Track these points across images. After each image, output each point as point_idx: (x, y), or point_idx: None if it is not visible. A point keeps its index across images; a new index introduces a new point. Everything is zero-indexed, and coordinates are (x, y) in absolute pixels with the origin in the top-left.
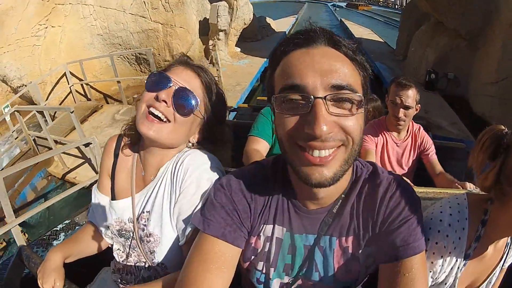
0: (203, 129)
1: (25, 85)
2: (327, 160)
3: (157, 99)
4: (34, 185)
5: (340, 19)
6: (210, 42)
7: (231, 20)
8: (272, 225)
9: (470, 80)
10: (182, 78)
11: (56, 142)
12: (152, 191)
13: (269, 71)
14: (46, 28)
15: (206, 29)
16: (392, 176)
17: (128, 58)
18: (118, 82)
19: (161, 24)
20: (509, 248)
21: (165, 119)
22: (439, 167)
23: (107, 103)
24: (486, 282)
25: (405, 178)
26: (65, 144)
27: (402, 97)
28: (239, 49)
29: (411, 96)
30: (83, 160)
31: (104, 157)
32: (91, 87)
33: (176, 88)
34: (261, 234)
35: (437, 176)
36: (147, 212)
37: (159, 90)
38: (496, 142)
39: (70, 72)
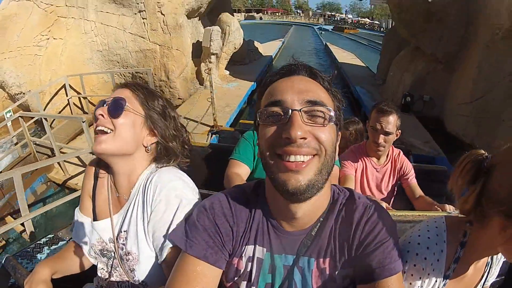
0: (151, 129)
1: (23, 93)
2: (302, 167)
3: (97, 117)
4: (34, 189)
5: (325, 44)
6: (203, 65)
7: (223, 44)
8: (253, 246)
9: (446, 101)
10: (113, 95)
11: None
12: (127, 212)
13: (258, 99)
14: (48, 39)
15: (198, 52)
16: (368, 201)
17: (125, 76)
18: None
19: (159, 45)
20: (490, 267)
21: (107, 130)
22: (418, 191)
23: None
24: None
25: (383, 202)
26: (66, 151)
27: (383, 123)
28: (228, 72)
29: (391, 122)
30: (84, 168)
31: (85, 180)
32: (89, 101)
33: (109, 102)
34: (243, 255)
35: (417, 199)
36: (124, 231)
37: (97, 110)
38: (476, 166)
39: (69, 85)
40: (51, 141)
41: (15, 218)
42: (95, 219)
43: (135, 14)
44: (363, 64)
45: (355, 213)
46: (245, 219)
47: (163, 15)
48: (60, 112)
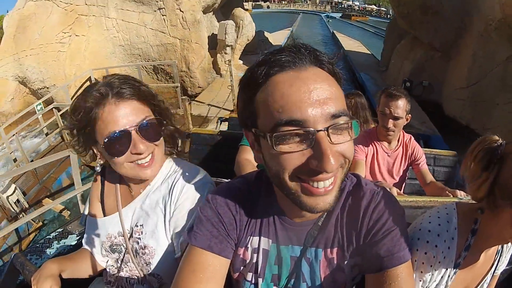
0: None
1: (47, 87)
2: (330, 189)
3: (136, 153)
4: (69, 173)
5: (332, 32)
6: (219, 56)
7: (237, 36)
8: (258, 237)
9: (443, 86)
10: (124, 115)
11: None
12: (141, 204)
13: (245, 95)
14: (70, 36)
15: (213, 44)
16: (376, 188)
17: (146, 68)
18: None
19: (179, 39)
20: (500, 255)
21: (151, 153)
22: (429, 177)
23: None
24: None
25: (394, 188)
26: None
27: (391, 107)
28: (241, 62)
29: (400, 106)
30: None
31: (94, 185)
32: None
33: (136, 129)
34: (249, 245)
35: (428, 185)
36: (140, 225)
37: (127, 148)
38: (490, 153)
39: (94, 78)
40: None
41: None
42: (104, 216)
43: (155, 11)
44: (369, 52)
45: (363, 200)
46: (248, 209)
47: (182, 12)
48: None
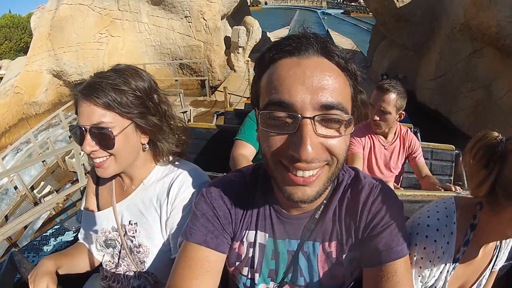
0: (142, 129)
1: (85, 80)
2: (310, 180)
3: (88, 153)
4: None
5: (327, 30)
6: (232, 55)
7: (247, 39)
8: (254, 231)
9: (416, 78)
10: (86, 116)
11: None
12: (135, 201)
13: (255, 76)
14: (107, 37)
15: (227, 45)
16: (374, 181)
17: (170, 64)
18: (176, 80)
19: (203, 42)
20: (499, 250)
21: (105, 157)
22: (425, 170)
23: None
24: (476, 284)
25: (391, 182)
26: None
27: (379, 101)
28: (249, 59)
29: (387, 101)
30: None
31: (89, 180)
32: None
33: (88, 132)
34: (244, 240)
35: (423, 179)
36: (134, 223)
37: (81, 145)
38: (491, 150)
39: None
40: None
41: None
42: (99, 210)
43: (182, 18)
44: (358, 49)
45: (361, 193)
46: (243, 202)
47: (205, 20)
48: None
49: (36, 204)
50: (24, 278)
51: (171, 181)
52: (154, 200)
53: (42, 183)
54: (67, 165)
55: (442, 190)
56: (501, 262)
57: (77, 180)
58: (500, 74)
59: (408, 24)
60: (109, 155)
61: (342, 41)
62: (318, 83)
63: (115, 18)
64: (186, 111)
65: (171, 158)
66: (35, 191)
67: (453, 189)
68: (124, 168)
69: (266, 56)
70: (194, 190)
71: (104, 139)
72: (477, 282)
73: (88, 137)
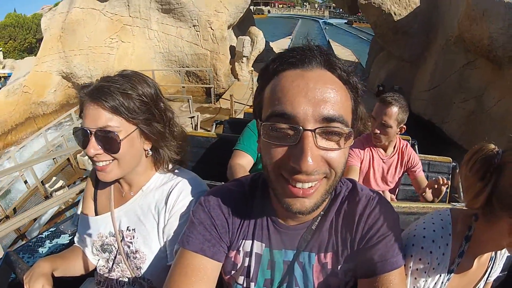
0: (146, 135)
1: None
2: (309, 193)
3: (91, 157)
4: None
5: (328, 40)
6: (236, 64)
7: (252, 49)
8: (251, 241)
9: (411, 90)
10: (92, 119)
11: None
12: (133, 207)
13: (258, 87)
14: (117, 42)
15: (232, 54)
16: (371, 193)
17: (181, 72)
18: (183, 87)
19: (209, 51)
20: (493, 262)
21: (108, 161)
22: (424, 183)
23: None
24: None
25: (388, 194)
26: None
27: (380, 114)
28: (253, 69)
29: (389, 114)
30: None
31: (88, 183)
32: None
33: (94, 135)
34: (240, 249)
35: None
36: (132, 229)
37: (85, 148)
38: (487, 163)
39: None
40: None
41: None
42: (96, 215)
43: (190, 27)
44: (357, 60)
45: (358, 205)
46: (241, 212)
47: (212, 29)
48: None
49: (46, 198)
50: (19, 279)
51: (170, 189)
52: (153, 207)
53: (54, 178)
54: (79, 163)
55: (430, 187)
56: (495, 273)
57: (87, 177)
58: (491, 85)
59: (405, 36)
60: (113, 159)
61: (342, 52)
62: (321, 96)
63: (126, 24)
64: (194, 116)
65: (171, 166)
66: (46, 185)
67: (440, 181)
68: (126, 173)
69: (270, 68)
70: (192, 198)
71: (109, 143)
72: None
73: (93, 140)
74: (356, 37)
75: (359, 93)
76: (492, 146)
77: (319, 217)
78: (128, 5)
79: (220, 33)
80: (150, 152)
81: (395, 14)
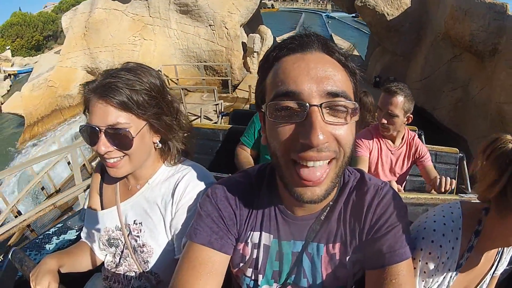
0: (154, 125)
1: None
2: (319, 181)
3: (102, 154)
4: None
5: (331, 34)
6: (248, 59)
7: (261, 45)
8: (259, 232)
9: (404, 80)
10: (101, 116)
11: None
12: (140, 200)
13: (259, 78)
14: (140, 40)
15: (243, 49)
16: (380, 184)
17: (199, 66)
18: (203, 79)
19: (225, 47)
20: (500, 256)
21: (119, 157)
22: (433, 173)
23: (187, 92)
24: None
25: (395, 184)
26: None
27: (386, 104)
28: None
29: (394, 103)
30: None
31: (94, 178)
32: (174, 82)
33: (104, 132)
34: (249, 241)
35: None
36: (139, 223)
37: (95, 145)
38: (504, 153)
39: (162, 72)
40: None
41: None
42: (102, 209)
43: (207, 27)
44: (357, 54)
45: (366, 195)
46: (249, 203)
47: (227, 28)
48: None
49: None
50: (26, 276)
51: (177, 182)
52: (159, 200)
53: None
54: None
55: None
56: (502, 267)
57: None
58: (475, 76)
59: (397, 33)
60: (123, 155)
61: (344, 46)
62: (323, 73)
63: (147, 24)
64: (218, 104)
65: (177, 157)
66: (93, 163)
67: (443, 183)
68: (137, 168)
69: (270, 56)
70: (199, 190)
71: (121, 140)
72: (478, 287)
73: (103, 137)
74: (357, 31)
75: (357, 78)
76: (509, 137)
77: (328, 208)
78: (148, 7)
79: (234, 31)
80: (160, 145)
81: (387, 15)
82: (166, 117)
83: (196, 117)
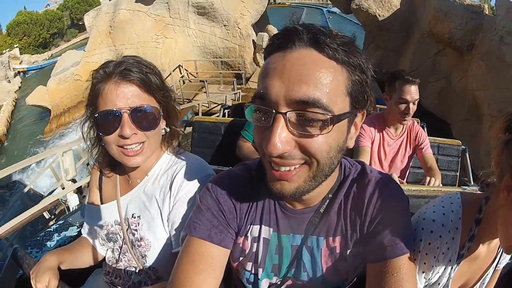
0: (165, 108)
1: None
2: (288, 176)
3: (123, 137)
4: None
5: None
6: (257, 55)
7: None
8: (258, 226)
9: None
10: (123, 97)
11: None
12: (139, 194)
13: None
14: (162, 38)
15: (253, 46)
16: (381, 176)
17: (216, 62)
18: (220, 73)
19: (238, 45)
20: None
21: (141, 143)
22: (431, 162)
23: (205, 84)
24: (479, 282)
25: (396, 177)
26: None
27: (413, 93)
28: None
29: (416, 90)
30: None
31: (93, 172)
32: (192, 75)
33: (129, 113)
34: (248, 234)
35: (428, 171)
36: (137, 216)
37: (116, 129)
38: None
39: (184, 68)
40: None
41: None
42: (102, 203)
43: (221, 27)
44: None
45: (367, 188)
46: (249, 197)
47: (239, 28)
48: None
49: None
50: (27, 274)
51: (174, 174)
52: (158, 193)
53: None
54: None
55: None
56: (505, 260)
57: None
58: (455, 68)
59: (388, 32)
60: (144, 141)
61: None
62: (296, 77)
63: (168, 24)
64: (237, 93)
65: (176, 144)
66: None
67: (426, 181)
68: (151, 155)
69: (264, 53)
70: (197, 183)
71: (147, 120)
72: (481, 280)
73: (127, 120)
74: (358, 26)
75: (365, 71)
76: None
77: (327, 200)
78: (168, 9)
79: (245, 31)
80: (167, 130)
81: (379, 16)
82: (172, 101)
83: (216, 104)
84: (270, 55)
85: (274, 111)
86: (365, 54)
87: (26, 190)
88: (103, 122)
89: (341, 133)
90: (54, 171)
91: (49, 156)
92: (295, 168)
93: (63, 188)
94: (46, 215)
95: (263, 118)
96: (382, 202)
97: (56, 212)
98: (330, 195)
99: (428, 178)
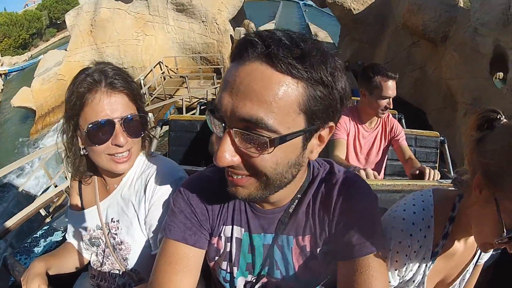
0: (141, 112)
1: (125, 68)
2: (240, 183)
3: (118, 146)
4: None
5: (308, 23)
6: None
7: None
8: (230, 226)
9: None
10: (115, 107)
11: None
12: (117, 199)
13: None
14: (142, 35)
15: (231, 41)
16: (348, 175)
17: (195, 58)
18: (200, 68)
19: (216, 40)
20: None
21: (129, 150)
22: (408, 153)
23: (185, 80)
24: (459, 278)
25: (371, 171)
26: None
27: (394, 89)
28: None
29: (394, 87)
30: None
31: (72, 182)
32: (174, 72)
33: (121, 122)
34: (222, 235)
35: (406, 162)
36: (116, 221)
37: (108, 139)
38: (486, 122)
39: (163, 63)
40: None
41: None
42: (83, 209)
43: (200, 23)
44: (331, 41)
45: (335, 187)
46: (220, 198)
47: (217, 24)
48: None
49: None
50: (18, 281)
51: (148, 178)
52: (134, 198)
53: None
54: None
55: (417, 172)
56: (486, 256)
57: None
58: (430, 59)
59: (363, 25)
60: (131, 147)
61: (319, 34)
62: (244, 93)
63: (148, 21)
64: (217, 87)
65: (143, 152)
66: None
67: (427, 174)
68: (135, 159)
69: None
70: (170, 186)
71: (134, 128)
72: (461, 277)
73: (120, 129)
74: (334, 18)
75: (328, 85)
76: (497, 110)
77: (296, 200)
78: (148, 6)
79: (223, 27)
80: (142, 134)
81: (354, 9)
82: (144, 105)
83: (198, 99)
84: (231, 63)
85: (223, 124)
86: (334, 63)
87: (20, 190)
88: (95, 132)
89: (291, 150)
90: (47, 170)
91: (40, 155)
92: (246, 176)
93: (56, 186)
94: (43, 212)
95: (217, 128)
96: (349, 202)
97: (51, 210)
98: (299, 196)
99: (427, 171)
